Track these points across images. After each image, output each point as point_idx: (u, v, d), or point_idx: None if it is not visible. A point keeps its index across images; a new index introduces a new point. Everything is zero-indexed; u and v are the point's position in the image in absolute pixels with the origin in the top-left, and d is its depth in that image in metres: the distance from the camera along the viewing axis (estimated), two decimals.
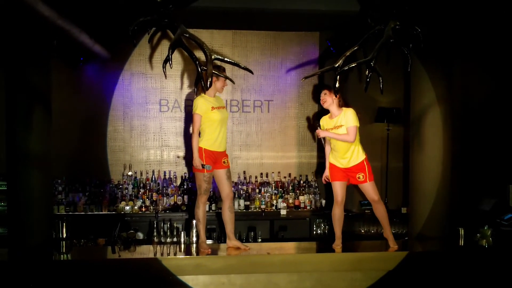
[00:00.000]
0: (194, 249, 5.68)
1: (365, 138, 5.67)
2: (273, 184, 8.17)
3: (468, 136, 7.82)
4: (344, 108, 5.56)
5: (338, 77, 5.23)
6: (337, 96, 5.49)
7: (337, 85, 5.25)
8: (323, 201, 8.10)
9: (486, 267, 5.71)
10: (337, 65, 5.23)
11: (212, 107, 5.41)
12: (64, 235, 5.50)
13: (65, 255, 5.44)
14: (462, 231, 6.10)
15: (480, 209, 7.52)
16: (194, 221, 5.74)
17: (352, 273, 5.51)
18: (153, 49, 8.08)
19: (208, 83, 5.08)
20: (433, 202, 6.37)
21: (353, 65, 5.26)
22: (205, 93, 5.40)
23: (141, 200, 7.74)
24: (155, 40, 7.90)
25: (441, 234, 6.35)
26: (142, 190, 7.86)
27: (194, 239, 5.81)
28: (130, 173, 8.02)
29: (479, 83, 7.96)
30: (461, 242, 6.05)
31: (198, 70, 5.03)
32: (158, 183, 8.02)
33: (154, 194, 7.80)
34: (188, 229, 5.97)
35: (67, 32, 6.39)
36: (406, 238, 6.93)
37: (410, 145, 6.67)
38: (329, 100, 5.54)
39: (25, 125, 5.93)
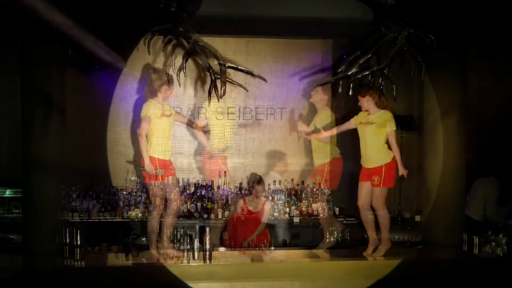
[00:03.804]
0: (208, 256, 5.68)
1: None
2: (286, 192, 8.15)
3: (483, 143, 7.76)
4: (382, 110, 5.78)
5: (351, 84, 5.24)
6: (373, 96, 5.77)
7: (350, 92, 5.28)
8: (337, 209, 8.06)
9: (500, 275, 5.66)
10: (351, 72, 5.24)
11: (162, 114, 5.63)
12: (78, 242, 5.54)
13: (79, 262, 5.47)
14: (476, 239, 6.06)
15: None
16: (207, 228, 5.75)
17: (366, 280, 5.49)
18: (167, 57, 8.10)
19: (222, 90, 5.12)
20: (447, 210, 6.34)
21: (367, 72, 5.27)
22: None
23: None
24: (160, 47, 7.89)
25: (455, 242, 6.30)
26: None
27: (208, 246, 5.81)
28: (136, 179, 8.00)
29: (494, 90, 7.90)
30: (475, 250, 6.01)
31: (212, 78, 5.06)
32: None
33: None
34: (200, 236, 5.98)
35: (81, 40, 6.44)
36: (420, 246, 6.89)
37: (424, 152, 6.64)
38: (365, 104, 5.82)
39: (41, 133, 6.00)
